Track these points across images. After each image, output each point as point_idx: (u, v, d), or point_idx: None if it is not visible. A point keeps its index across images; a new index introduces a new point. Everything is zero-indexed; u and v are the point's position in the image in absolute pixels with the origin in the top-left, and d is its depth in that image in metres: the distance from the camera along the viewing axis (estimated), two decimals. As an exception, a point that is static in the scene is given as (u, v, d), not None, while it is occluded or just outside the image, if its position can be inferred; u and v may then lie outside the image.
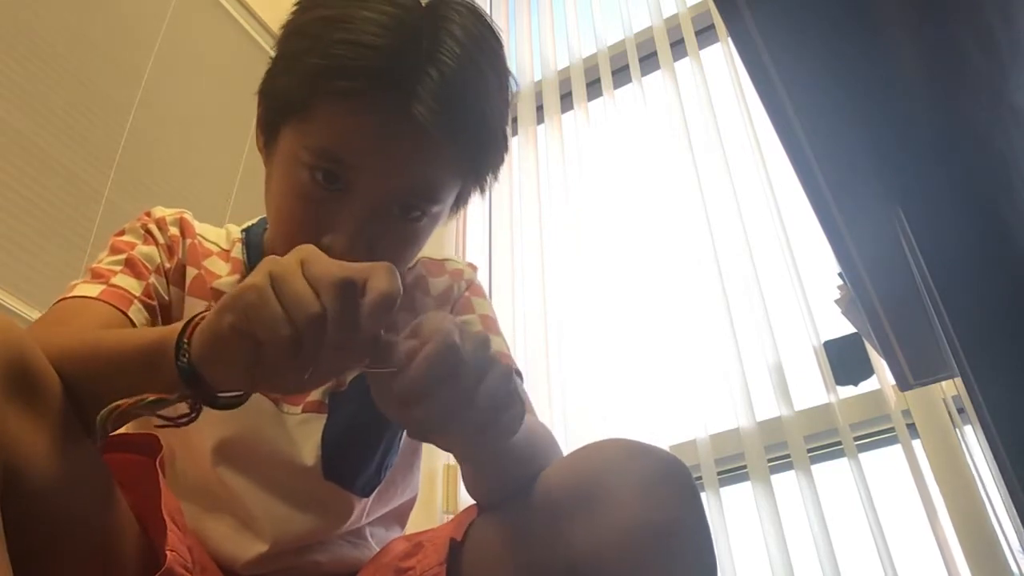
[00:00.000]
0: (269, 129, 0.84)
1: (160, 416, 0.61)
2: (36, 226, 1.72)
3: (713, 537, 0.71)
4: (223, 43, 2.36)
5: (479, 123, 0.81)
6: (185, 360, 0.59)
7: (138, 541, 0.68)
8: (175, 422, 0.61)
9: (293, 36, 0.82)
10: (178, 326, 0.62)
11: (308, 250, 0.57)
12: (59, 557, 0.62)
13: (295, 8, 0.83)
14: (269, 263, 0.56)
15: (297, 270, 0.55)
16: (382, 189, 0.79)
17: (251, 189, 2.27)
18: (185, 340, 0.60)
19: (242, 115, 2.33)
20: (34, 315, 1.60)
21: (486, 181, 0.88)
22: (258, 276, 0.55)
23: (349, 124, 0.78)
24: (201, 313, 0.61)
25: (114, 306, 0.82)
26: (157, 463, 0.71)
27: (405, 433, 0.91)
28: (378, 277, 0.56)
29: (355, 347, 0.56)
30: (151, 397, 0.59)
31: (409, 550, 0.83)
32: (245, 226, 0.99)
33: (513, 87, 0.88)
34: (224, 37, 2.37)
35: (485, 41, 0.82)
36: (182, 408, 0.61)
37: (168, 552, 0.68)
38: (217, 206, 2.15)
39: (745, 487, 1.70)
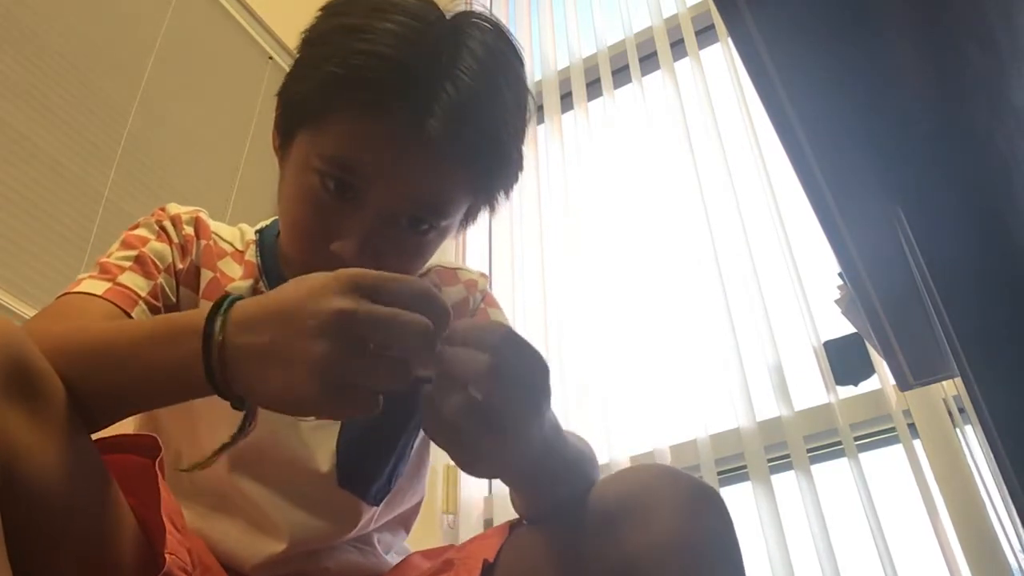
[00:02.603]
0: (284, 132, 0.84)
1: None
2: (36, 226, 1.71)
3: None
4: (223, 43, 2.36)
5: (492, 141, 0.81)
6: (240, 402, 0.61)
7: (138, 543, 0.68)
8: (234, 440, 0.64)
9: (313, 43, 0.82)
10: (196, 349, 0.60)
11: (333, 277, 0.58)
12: (59, 557, 0.62)
13: (318, 14, 0.83)
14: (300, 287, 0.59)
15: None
16: (392, 201, 0.79)
17: (251, 189, 2.27)
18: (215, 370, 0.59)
19: (242, 115, 2.34)
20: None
21: (497, 199, 0.88)
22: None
23: (362, 135, 0.78)
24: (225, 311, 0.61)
25: (118, 306, 0.81)
26: (156, 465, 0.70)
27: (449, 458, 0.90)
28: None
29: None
30: (226, 441, 0.63)
31: (437, 567, 0.83)
32: (259, 227, 0.98)
33: (532, 106, 0.87)
34: (224, 37, 2.37)
35: (504, 58, 0.82)
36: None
37: (167, 555, 0.68)
38: (217, 206, 2.15)
39: (745, 487, 1.70)
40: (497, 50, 0.82)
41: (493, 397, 0.57)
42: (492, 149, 0.81)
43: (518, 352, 0.59)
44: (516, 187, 0.89)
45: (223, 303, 0.61)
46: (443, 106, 0.76)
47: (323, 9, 0.83)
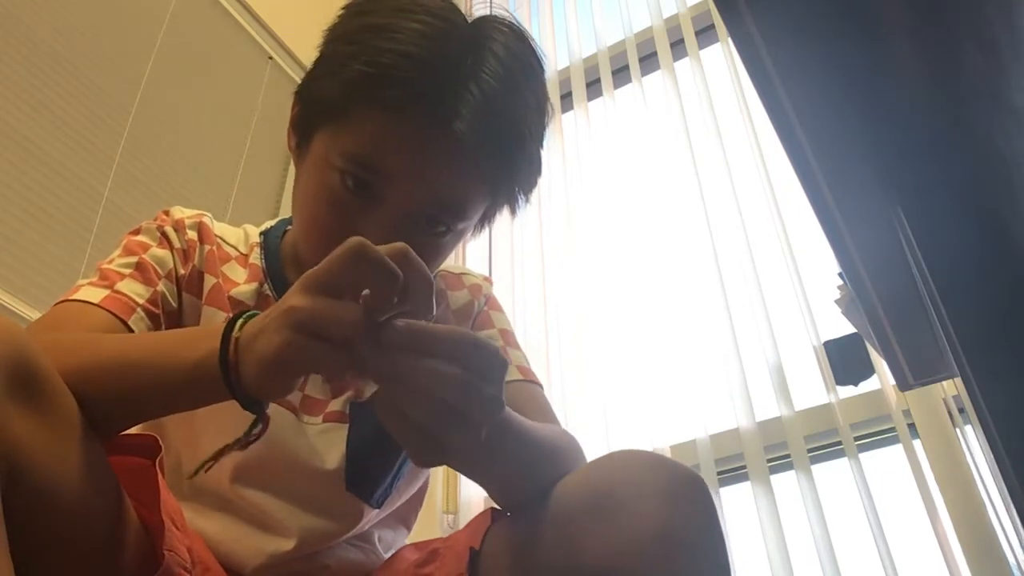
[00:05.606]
0: (303, 131, 0.84)
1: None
2: (36, 226, 1.72)
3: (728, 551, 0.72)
4: (223, 43, 2.36)
5: (515, 144, 0.81)
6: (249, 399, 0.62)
7: (140, 541, 0.68)
8: (244, 442, 0.64)
9: (338, 40, 0.81)
10: (211, 356, 0.62)
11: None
12: (61, 555, 0.62)
13: (342, 12, 0.83)
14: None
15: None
16: (412, 201, 0.78)
17: (251, 189, 2.27)
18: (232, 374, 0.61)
19: (242, 115, 2.34)
20: (34, 315, 1.60)
21: (517, 202, 0.88)
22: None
23: (386, 133, 0.77)
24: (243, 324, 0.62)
25: (114, 314, 0.80)
26: (156, 464, 0.70)
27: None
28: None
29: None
30: (230, 443, 0.64)
31: (424, 557, 0.83)
32: (263, 228, 0.97)
33: (551, 109, 0.87)
34: (224, 37, 2.37)
35: (527, 62, 0.82)
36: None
37: (166, 552, 0.68)
38: (217, 206, 2.15)
39: (745, 487, 1.70)
40: (519, 53, 0.82)
41: (461, 406, 0.57)
42: (514, 151, 0.81)
43: (480, 361, 0.59)
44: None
45: (247, 312, 0.64)
46: (469, 107, 0.76)
47: (346, 8, 0.83)
